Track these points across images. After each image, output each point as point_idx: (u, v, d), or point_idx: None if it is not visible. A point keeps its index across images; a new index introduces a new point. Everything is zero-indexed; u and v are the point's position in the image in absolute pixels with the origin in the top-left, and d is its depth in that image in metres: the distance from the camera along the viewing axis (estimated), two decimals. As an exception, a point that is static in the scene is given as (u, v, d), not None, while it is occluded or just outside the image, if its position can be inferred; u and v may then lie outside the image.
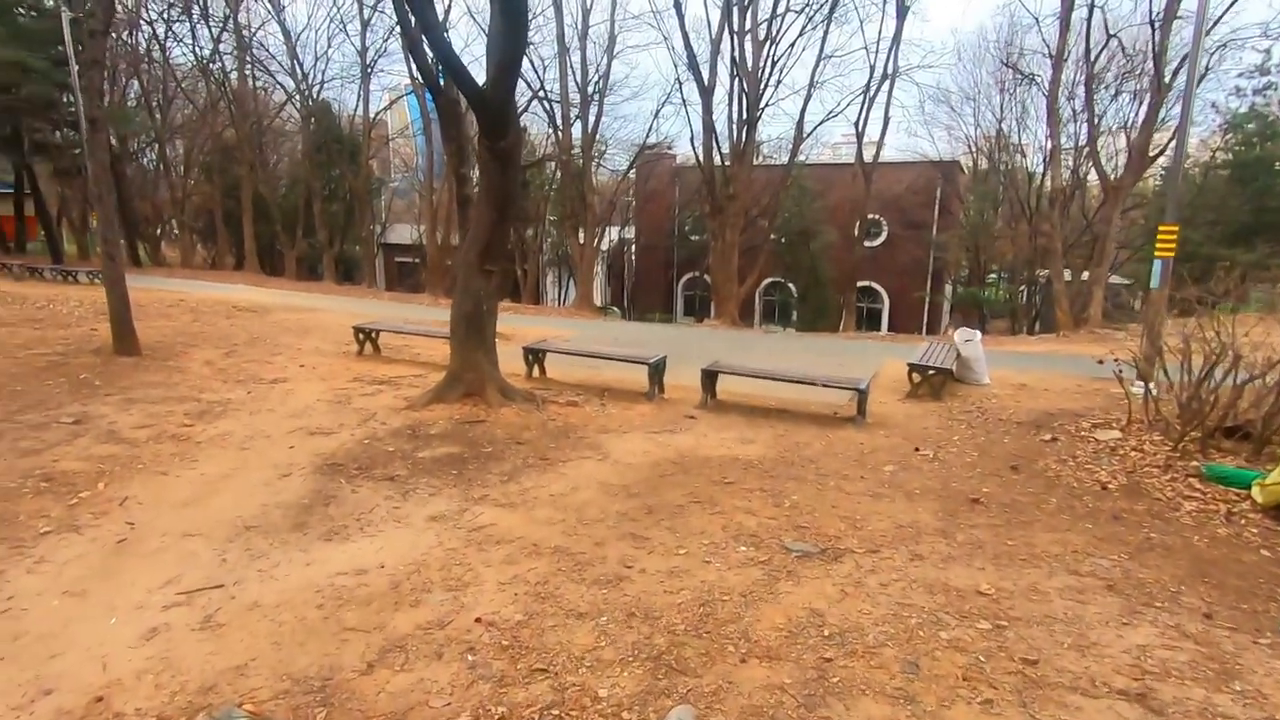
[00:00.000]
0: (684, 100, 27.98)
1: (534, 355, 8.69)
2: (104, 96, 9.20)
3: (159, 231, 33.54)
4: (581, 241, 25.06)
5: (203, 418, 6.28)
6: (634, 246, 33.50)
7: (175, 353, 8.95)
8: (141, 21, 27.37)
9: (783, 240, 26.41)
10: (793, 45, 21.32)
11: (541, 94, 23.60)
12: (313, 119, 29.34)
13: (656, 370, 7.81)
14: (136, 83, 29.08)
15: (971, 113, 28.86)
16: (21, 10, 23.03)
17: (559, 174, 27.33)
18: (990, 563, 3.81)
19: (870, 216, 24.02)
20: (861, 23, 40.27)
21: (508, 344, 9.34)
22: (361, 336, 9.81)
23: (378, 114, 30.83)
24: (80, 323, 11.41)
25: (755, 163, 22.45)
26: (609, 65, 24.31)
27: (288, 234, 30.35)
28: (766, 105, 21.02)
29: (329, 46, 35.86)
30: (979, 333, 9.11)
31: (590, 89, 24.18)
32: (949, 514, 4.55)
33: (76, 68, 18.85)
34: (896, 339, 17.07)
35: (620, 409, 7.26)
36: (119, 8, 23.60)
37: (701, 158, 21.07)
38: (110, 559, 3.76)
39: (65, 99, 24.22)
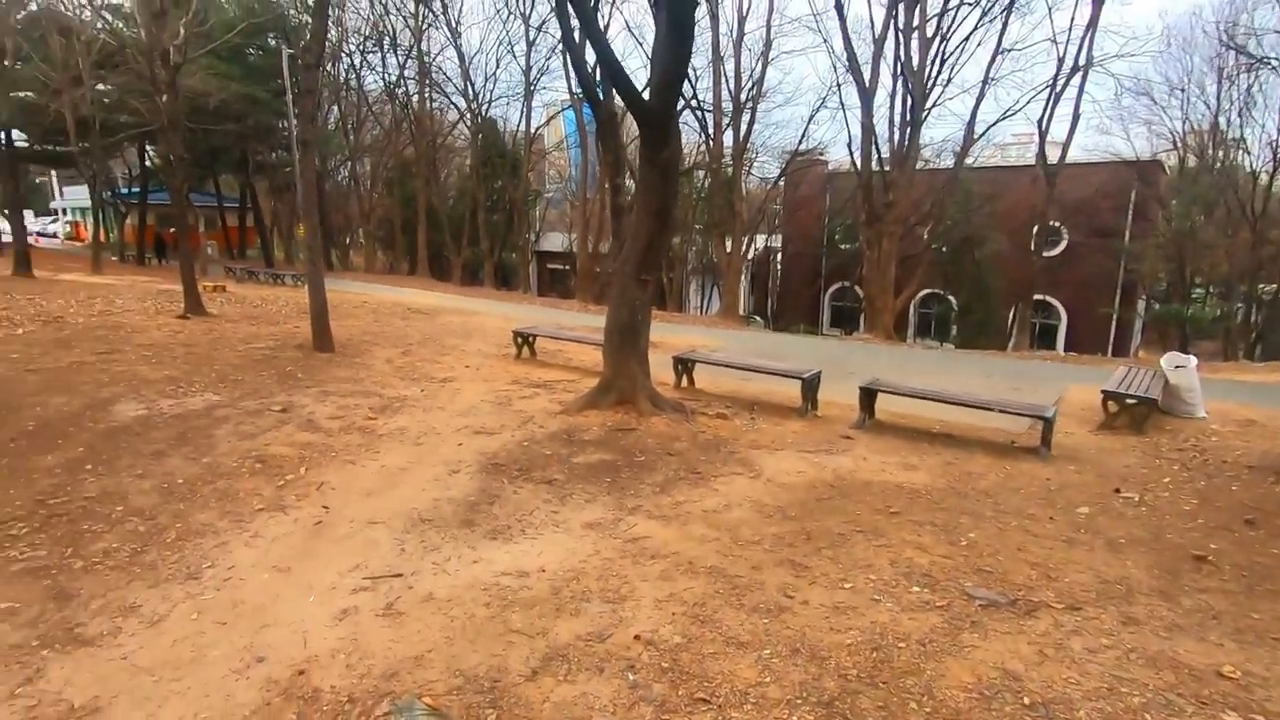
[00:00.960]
0: (842, 104, 27.02)
1: (683, 365, 8.66)
2: (314, 121, 10.45)
3: (348, 239, 37.68)
4: (728, 250, 24.89)
5: (384, 412, 6.86)
6: (780, 255, 32.78)
7: (361, 350, 9.89)
8: (342, 54, 30.95)
9: (943, 249, 24.60)
10: (966, 40, 19.82)
11: (694, 103, 23.73)
12: (480, 135, 31.58)
13: (810, 385, 7.49)
14: (336, 108, 32.92)
15: (1179, 105, 25.24)
16: (251, 50, 26.71)
17: (707, 182, 27.37)
18: (1231, 639, 3.19)
19: (1050, 223, 21.74)
20: (1050, 9, 36.65)
21: (654, 352, 9.39)
22: (520, 340, 10.30)
23: (538, 129, 32.59)
24: (286, 320, 12.98)
25: (917, 167, 21.13)
26: (763, 72, 24.03)
27: (454, 242, 32.86)
28: (933, 106, 19.73)
29: (497, 67, 38.67)
30: (1193, 358, 7.85)
31: (743, 96, 23.99)
32: (1168, 572, 3.90)
33: (291, 97, 21.65)
34: (1079, 360, 15.26)
35: (771, 424, 7.03)
36: (327, 43, 26.90)
37: (859, 163, 20.16)
38: (309, 540, 4.15)
39: (280, 125, 27.93)
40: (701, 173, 27.80)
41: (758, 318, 31.17)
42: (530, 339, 10.38)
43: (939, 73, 19.52)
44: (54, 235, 42.21)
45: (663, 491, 5.01)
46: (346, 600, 3.45)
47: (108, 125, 21.90)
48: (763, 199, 29.29)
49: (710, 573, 3.77)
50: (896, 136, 19.75)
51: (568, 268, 35.91)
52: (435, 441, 6.08)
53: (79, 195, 40.98)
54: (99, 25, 19.55)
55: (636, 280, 7.06)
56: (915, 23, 18.93)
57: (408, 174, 33.31)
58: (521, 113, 30.46)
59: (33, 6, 20.96)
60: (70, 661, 2.91)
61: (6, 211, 21.55)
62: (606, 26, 23.34)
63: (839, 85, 27.90)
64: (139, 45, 13.39)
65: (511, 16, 28.91)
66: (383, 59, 31.46)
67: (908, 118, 19.32)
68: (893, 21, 18.82)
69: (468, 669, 2.89)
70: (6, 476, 4.76)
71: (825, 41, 39.76)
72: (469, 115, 31.65)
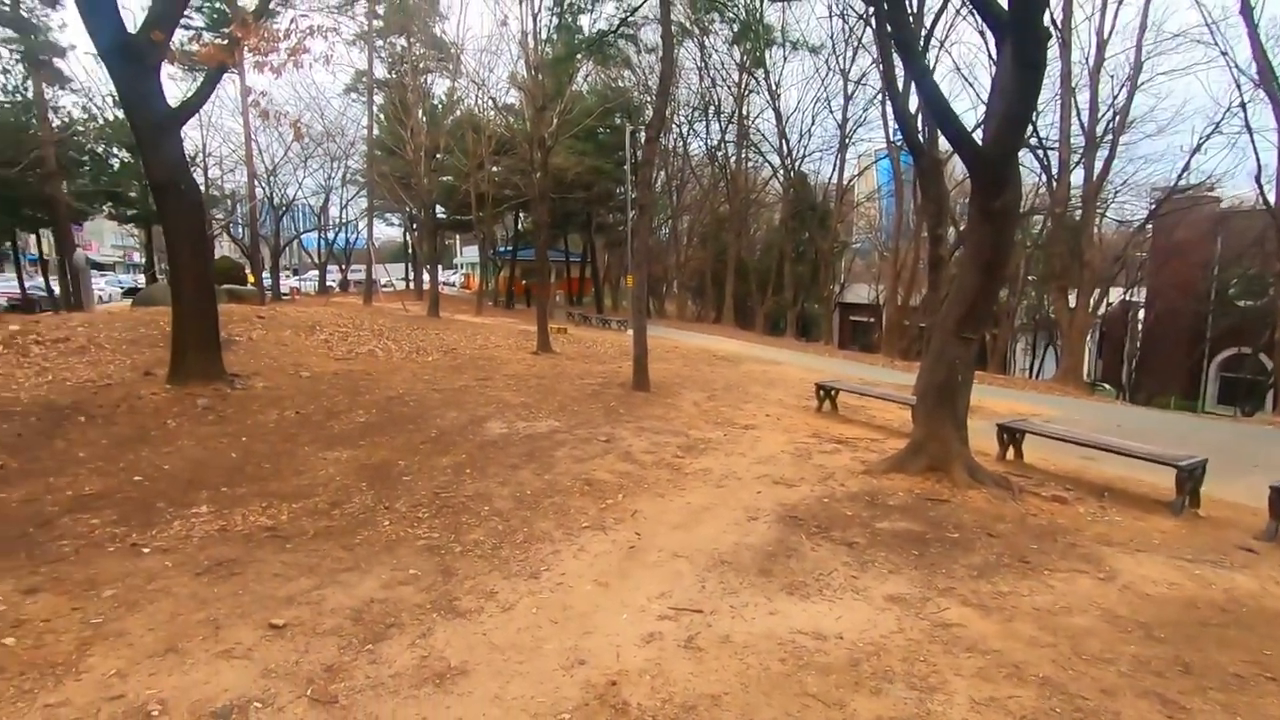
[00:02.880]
0: (1247, 125, 21.63)
1: (1010, 434, 7.64)
2: (650, 187, 11.86)
3: (664, 289, 41.47)
4: (1072, 305, 21.43)
5: (690, 452, 7.31)
6: (1144, 312, 27.14)
7: (672, 392, 10.73)
8: (672, 125, 34.69)
9: None
10: None
11: (1033, 141, 21.25)
12: (791, 189, 32.41)
13: (1190, 476, 6.01)
14: (663, 173, 36.89)
15: None
16: (601, 130, 31.43)
17: (1045, 228, 24.07)
18: None
19: None
20: None
21: (972, 417, 8.46)
22: (822, 393, 10.16)
23: (850, 180, 32.32)
24: (612, 360, 14.71)
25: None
26: (1129, 99, 20.52)
27: (760, 292, 33.98)
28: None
29: (812, 123, 39.49)
30: None
31: (1100, 129, 20.75)
32: None
33: (630, 166, 24.90)
34: None
35: (1129, 518, 5.79)
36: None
37: (1274, 199, 15.89)
38: (624, 561, 4.59)
39: (618, 191, 32.22)
40: (1039, 218, 24.57)
41: (1107, 385, 26.12)
42: (833, 392, 10.16)
43: None
44: (452, 284, 54.15)
45: (981, 576, 4.45)
46: (653, 625, 3.72)
47: (496, 199, 27.62)
48: (1122, 246, 24.69)
49: (1043, 684, 3.22)
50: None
51: (872, 320, 34.50)
52: (736, 486, 6.28)
53: (472, 253, 52.19)
54: (498, 122, 24.89)
55: (958, 337, 6.50)
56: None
57: (721, 229, 35.63)
58: (834, 165, 30.57)
59: (457, 113, 27.63)
60: (450, 627, 3.63)
61: (428, 266, 28.36)
62: (932, 69, 22.31)
63: (1243, 104, 22.42)
64: (524, 134, 16.70)
65: (830, 73, 29.33)
66: (706, 126, 34.40)
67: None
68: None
69: (762, 721, 2.88)
70: (418, 471, 6.18)
71: (1224, 54, 32.39)
72: (782, 171, 32.75)
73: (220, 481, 5.73)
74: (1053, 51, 20.56)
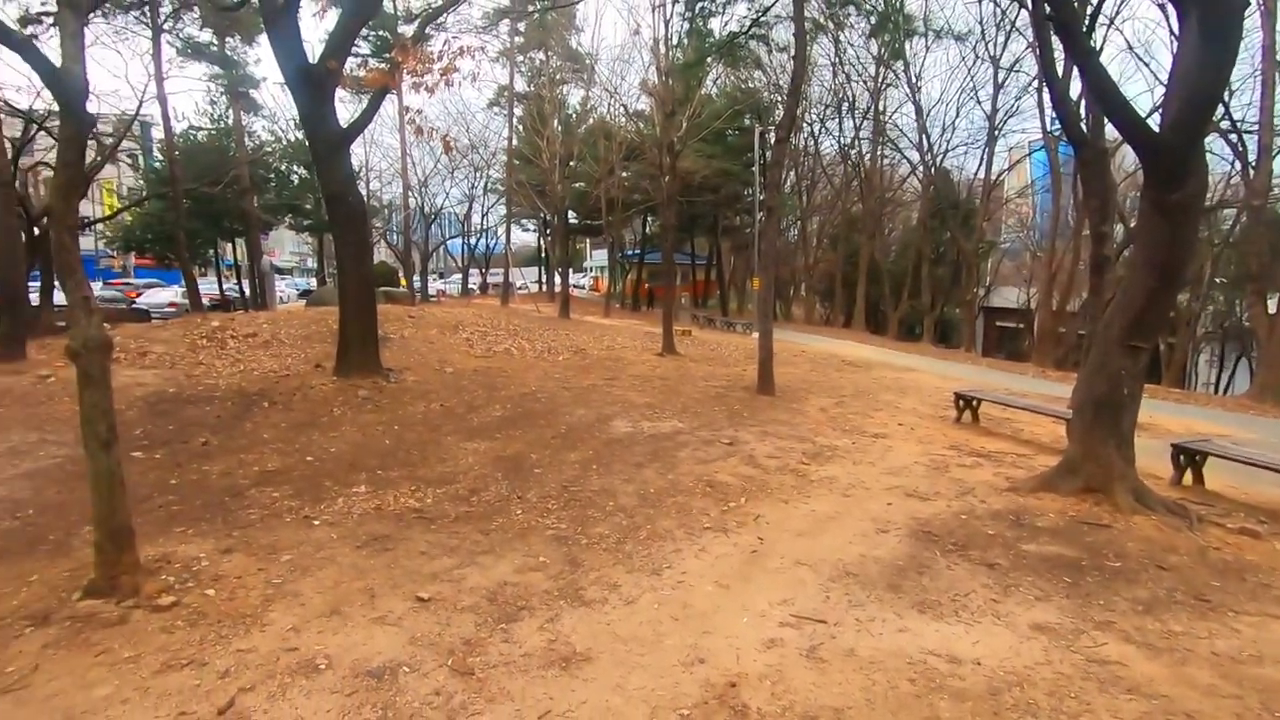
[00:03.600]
0: None
1: (1188, 456, 6.78)
2: (779, 189, 11.67)
3: (790, 292, 40.53)
4: (1272, 310, 18.63)
5: (815, 459, 7.12)
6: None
7: (798, 397, 10.49)
8: (803, 124, 33.84)
9: None
10: None
11: (1224, 124, 18.68)
12: (932, 186, 30.58)
13: None
14: (793, 173, 36.06)
15: None
16: (729, 132, 31.28)
17: (1239, 223, 21.09)
18: None
19: None
20: None
21: (1141, 435, 7.59)
22: (962, 403, 9.52)
23: (999, 175, 30.01)
24: (736, 364, 14.61)
25: None
26: (1353, 70, 17.49)
27: (893, 296, 32.35)
28: None
29: (956, 116, 37.06)
30: None
31: (1312, 107, 17.86)
32: None
33: (759, 168, 24.59)
34: None
35: (1343, 560, 4.95)
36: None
37: None
38: (746, 565, 4.56)
39: (746, 193, 31.89)
40: (1230, 212, 21.57)
41: (1318, 405, 22.35)
42: (974, 402, 9.50)
43: None
44: (582, 287, 56.04)
45: (1147, 612, 4.00)
46: (774, 631, 3.67)
47: (625, 203, 28.28)
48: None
49: (1223, 739, 2.84)
50: None
51: (1020, 326, 31.82)
52: (863, 496, 6.04)
53: (601, 257, 53.75)
54: (628, 128, 25.48)
55: (1123, 346, 5.86)
56: None
57: (853, 230, 34.30)
58: (981, 160, 28.50)
59: (590, 121, 28.60)
60: (575, 615, 3.79)
61: (559, 269, 29.57)
62: (1099, 49, 20.22)
63: None
64: (654, 139, 16.99)
65: (979, 62, 27.37)
66: (839, 123, 33.27)
67: None
68: None
69: (889, 741, 2.77)
70: (548, 465, 6.48)
71: None
72: (921, 168, 31.00)
73: (376, 465, 6.32)
74: (1251, 20, 17.99)
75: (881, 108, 31.54)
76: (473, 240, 43.93)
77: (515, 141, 30.23)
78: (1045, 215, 33.12)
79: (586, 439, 7.41)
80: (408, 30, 21.45)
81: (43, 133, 15.71)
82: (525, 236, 57.72)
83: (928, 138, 30.19)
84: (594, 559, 4.52)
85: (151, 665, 3.10)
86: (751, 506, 5.67)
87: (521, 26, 27.89)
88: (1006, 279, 36.46)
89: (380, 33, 22.84)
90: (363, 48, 24.12)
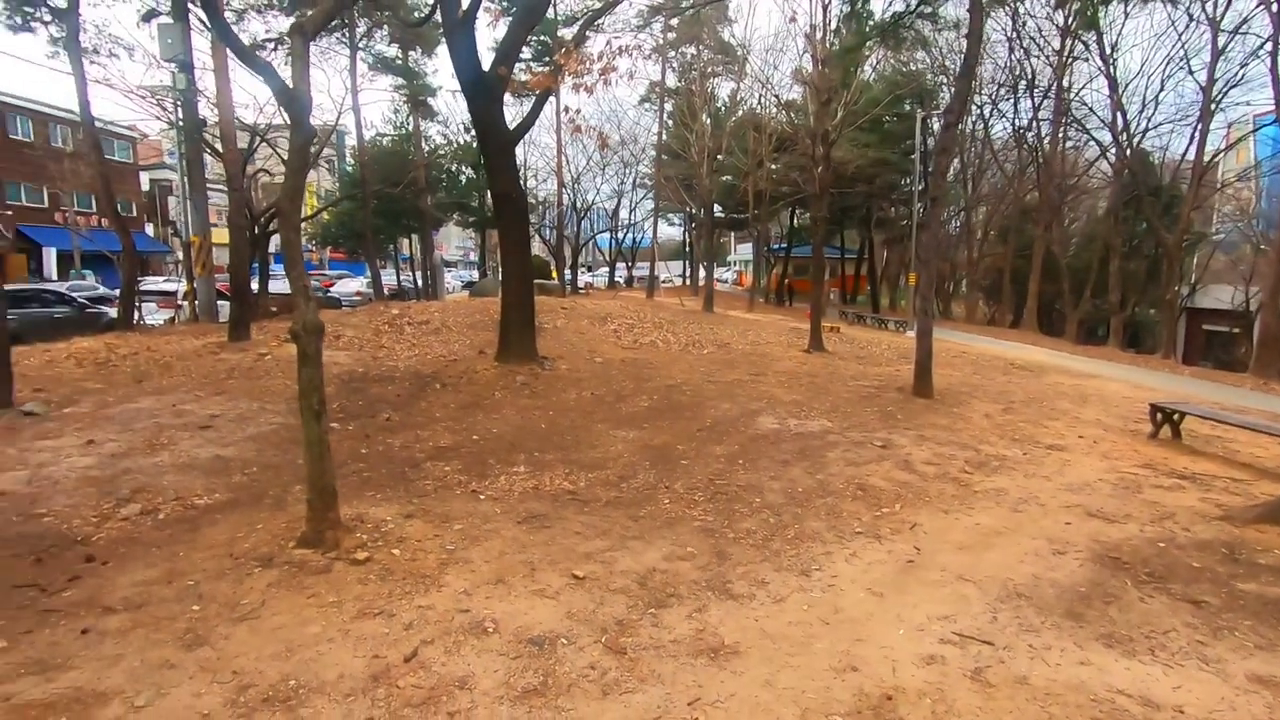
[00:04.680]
0: None
1: None
2: (945, 178, 10.89)
3: (950, 288, 37.72)
4: None
5: (980, 469, 6.61)
6: None
7: (959, 400, 9.78)
8: (971, 106, 31.24)
9: None
10: None
11: None
12: (1127, 170, 27.10)
13: None
14: (958, 160, 33.42)
15: None
16: (887, 118, 29.61)
17: None
18: None
19: None
20: None
21: None
22: (1160, 416, 8.39)
23: (1214, 156, 25.98)
24: (888, 363, 13.87)
25: None
26: None
27: (1073, 293, 29.13)
28: None
29: (1160, 89, 32.44)
30: None
31: None
32: None
33: (920, 155, 23.11)
34: None
35: None
36: (958, 99, 27.78)
37: None
38: (900, 574, 4.35)
39: (903, 182, 30.06)
40: None
41: None
42: (1175, 416, 8.35)
43: None
44: (725, 281, 55.76)
45: None
46: (934, 647, 3.47)
47: (773, 196, 27.73)
48: None
49: None
50: None
51: (1237, 330, 27.46)
52: (1036, 512, 5.53)
53: (745, 251, 53.14)
54: (779, 119, 24.91)
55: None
56: None
57: (1026, 220, 31.25)
58: (1191, 138, 24.84)
59: (739, 114, 28.29)
60: (723, 607, 3.81)
61: (704, 263, 29.62)
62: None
63: None
64: (807, 129, 16.49)
65: (1192, 25, 23.76)
66: (1014, 103, 30.38)
67: None
68: None
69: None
70: (694, 457, 6.55)
71: None
72: (1114, 150, 27.57)
73: (534, 447, 6.71)
74: None
75: (1066, 84, 28.38)
76: (620, 234, 45.12)
77: (664, 136, 30.62)
78: (1275, 201, 28.25)
79: (732, 433, 7.40)
80: (566, 33, 22.40)
81: (262, 144, 18.18)
82: (670, 230, 58.39)
83: (1123, 115, 26.71)
84: (741, 553, 4.52)
85: (350, 611, 3.52)
86: (907, 514, 5.38)
87: (674, 22, 28.12)
88: (1218, 276, 31.45)
89: (541, 38, 24.01)
90: (524, 53, 25.51)
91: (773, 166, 27.05)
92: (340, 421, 7.27)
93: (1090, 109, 29.18)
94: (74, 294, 17.47)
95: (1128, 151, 26.90)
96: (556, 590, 3.87)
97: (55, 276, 30.63)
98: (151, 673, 2.98)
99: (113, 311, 16.00)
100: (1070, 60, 27.76)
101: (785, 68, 40.35)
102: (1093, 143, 29.67)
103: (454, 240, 68.15)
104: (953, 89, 29.62)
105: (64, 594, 3.66)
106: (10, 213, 29.30)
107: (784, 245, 40.19)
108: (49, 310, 15.12)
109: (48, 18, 13.95)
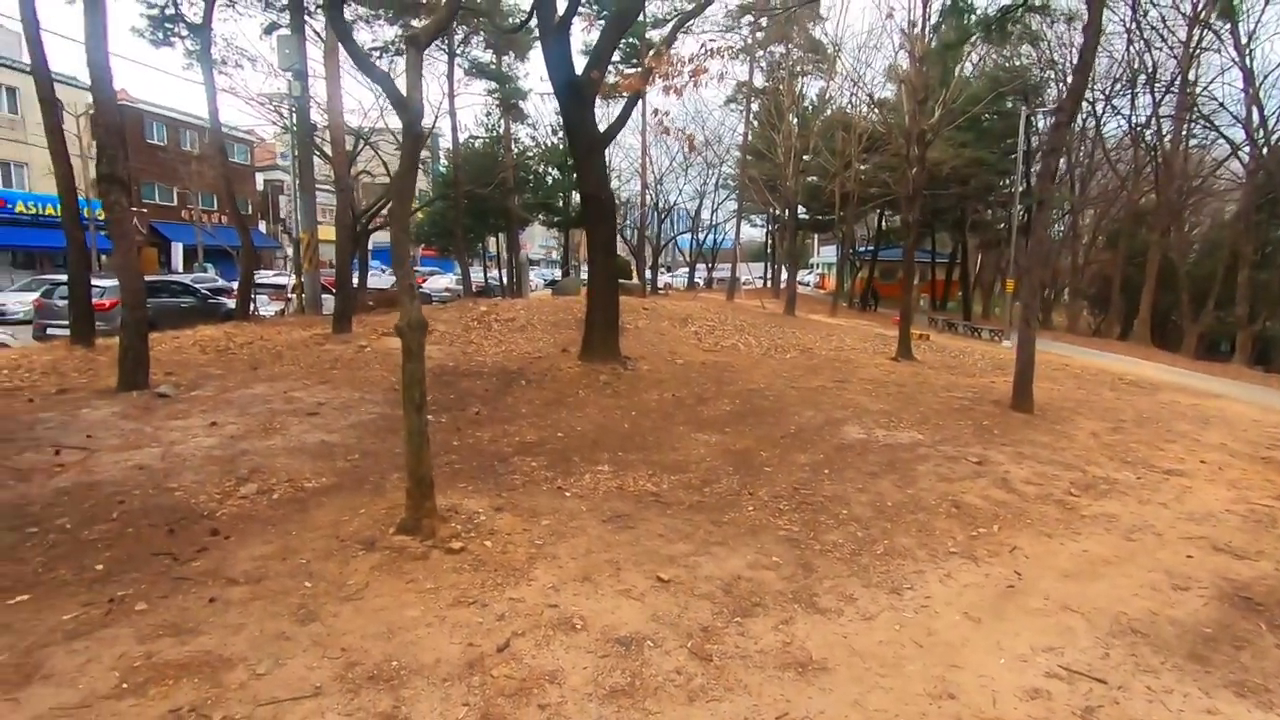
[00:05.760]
0: None
1: None
2: (1054, 179, 10.26)
3: (1050, 296, 35.51)
4: None
5: (1087, 491, 6.20)
6: None
7: (1061, 417, 9.20)
8: (1083, 102, 29.33)
9: None
10: None
11: None
12: (1262, 171, 24.74)
13: None
14: (1064, 160, 31.42)
15: None
16: (986, 116, 28.19)
17: None
18: None
19: None
20: None
21: None
22: (1297, 444, 7.62)
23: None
24: (981, 374, 13.22)
25: None
26: None
27: (1193, 305, 26.85)
28: None
29: (1302, 82, 29.46)
30: None
31: None
32: None
33: (1019, 155, 21.88)
34: None
35: None
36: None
37: None
38: (999, 600, 4.13)
39: (1000, 183, 28.54)
40: None
41: None
42: (1317, 445, 7.55)
43: None
44: (806, 284, 54.58)
45: None
46: (1038, 680, 3.28)
47: (860, 197, 26.94)
48: None
49: None
50: None
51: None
52: (1152, 542, 5.14)
53: (828, 253, 51.91)
54: (870, 119, 24.17)
55: None
56: None
57: (1140, 225, 29.04)
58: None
59: (828, 113, 27.62)
60: (810, 621, 3.74)
61: (786, 265, 29.10)
62: None
63: None
64: (901, 128, 15.92)
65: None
66: (1131, 99, 28.27)
67: None
68: None
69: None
70: (777, 464, 6.45)
71: None
72: (1248, 148, 25.22)
73: (616, 446, 6.79)
74: None
75: (1192, 77, 26.18)
76: (700, 235, 44.97)
77: (749, 137, 30.27)
78: None
79: (816, 442, 7.24)
80: (653, 35, 22.51)
81: (365, 147, 19.19)
82: (750, 232, 57.66)
83: (1260, 110, 24.39)
84: (828, 567, 4.41)
85: (446, 599, 3.67)
86: (1006, 536, 5.11)
87: (763, 21, 27.77)
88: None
89: (630, 40, 24.25)
90: (614, 56, 25.81)
91: (861, 167, 26.26)
92: (433, 414, 7.56)
93: (1220, 104, 26.83)
94: (197, 285, 19.04)
95: (1264, 150, 24.52)
96: (642, 592, 3.90)
97: (181, 269, 33.45)
98: (270, 643, 3.20)
99: (230, 303, 17.34)
100: (1198, 52, 25.62)
101: (878, 65, 39.13)
102: (1221, 141, 27.28)
103: (537, 239, 69.79)
104: (1062, 84, 27.90)
105: (193, 564, 3.99)
106: (145, 210, 32.20)
107: (870, 248, 38.95)
108: (176, 300, 16.53)
109: (184, 33, 15.24)
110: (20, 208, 27.37)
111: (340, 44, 3.84)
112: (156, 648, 3.13)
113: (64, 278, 19.69)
